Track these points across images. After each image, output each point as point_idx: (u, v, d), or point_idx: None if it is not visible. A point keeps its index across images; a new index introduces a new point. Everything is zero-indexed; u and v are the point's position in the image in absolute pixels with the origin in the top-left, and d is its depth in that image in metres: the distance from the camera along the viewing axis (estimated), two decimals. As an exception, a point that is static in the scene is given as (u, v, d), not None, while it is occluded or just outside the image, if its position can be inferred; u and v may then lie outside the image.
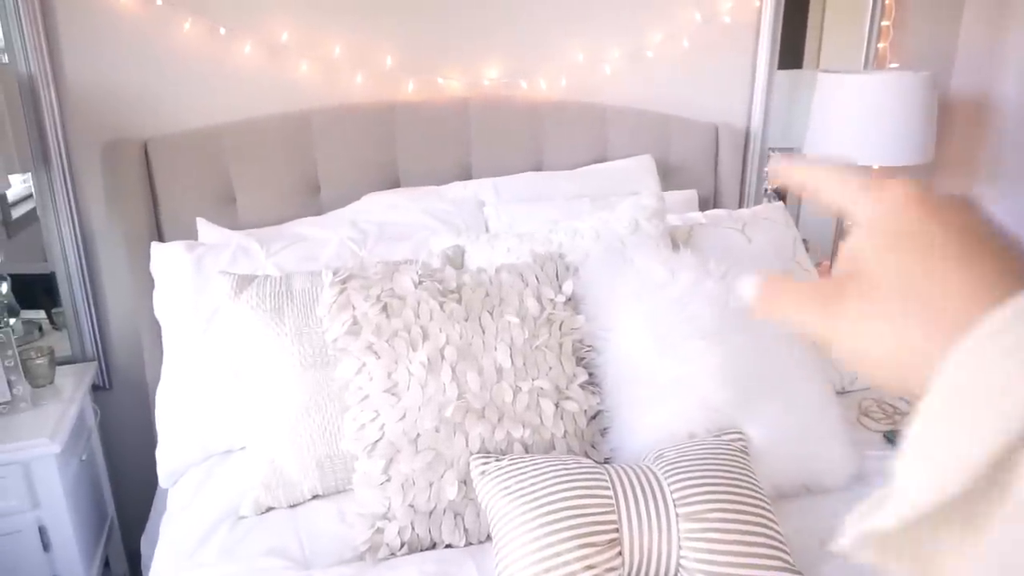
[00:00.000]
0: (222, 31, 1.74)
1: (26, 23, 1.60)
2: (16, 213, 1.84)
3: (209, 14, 1.73)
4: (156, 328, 1.61)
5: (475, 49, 1.99)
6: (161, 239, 1.71)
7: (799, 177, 0.36)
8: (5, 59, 1.62)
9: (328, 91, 1.87)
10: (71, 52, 1.67)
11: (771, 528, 1.04)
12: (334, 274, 1.25)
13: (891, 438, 1.46)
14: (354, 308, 1.20)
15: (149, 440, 1.81)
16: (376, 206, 1.78)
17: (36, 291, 1.89)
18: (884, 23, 2.44)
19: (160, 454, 1.43)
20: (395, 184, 1.91)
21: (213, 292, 1.43)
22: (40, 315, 1.93)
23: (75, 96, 1.70)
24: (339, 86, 1.88)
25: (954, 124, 2.52)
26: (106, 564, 1.81)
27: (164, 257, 1.54)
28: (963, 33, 2.53)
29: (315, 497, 1.27)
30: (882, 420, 1.54)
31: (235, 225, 1.73)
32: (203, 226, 1.68)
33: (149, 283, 1.61)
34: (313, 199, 1.84)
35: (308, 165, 1.83)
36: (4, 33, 1.61)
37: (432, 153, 1.93)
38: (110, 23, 1.67)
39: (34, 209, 1.79)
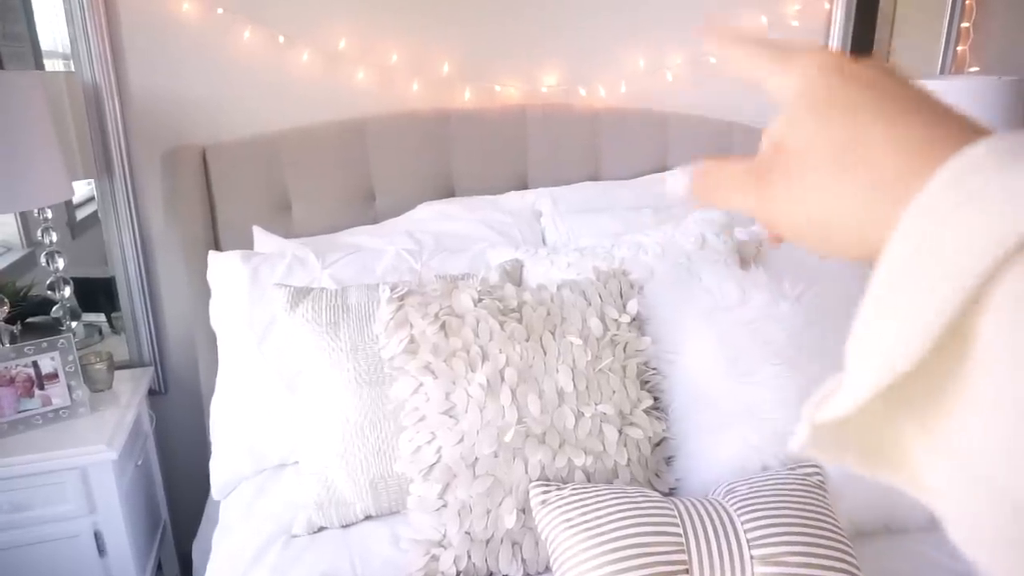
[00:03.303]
0: (281, 39, 1.74)
1: (92, 33, 1.62)
2: (80, 215, 1.87)
3: (268, 23, 1.73)
4: (212, 336, 1.61)
5: (533, 56, 1.95)
6: (217, 245, 1.72)
7: (719, 49, 0.34)
8: (72, 67, 1.64)
9: (384, 99, 1.85)
10: (134, 61, 1.69)
11: (854, 573, 0.97)
12: (392, 290, 1.22)
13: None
14: (412, 326, 1.16)
15: (202, 445, 1.82)
16: (431, 215, 1.75)
17: (97, 294, 1.92)
18: (964, 24, 2.31)
19: (214, 466, 1.42)
20: (450, 193, 1.88)
21: (268, 304, 1.42)
22: (100, 318, 1.96)
23: (137, 104, 1.71)
24: (395, 93, 1.86)
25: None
26: (159, 567, 1.83)
27: (221, 267, 1.54)
28: (1049, 35, 2.38)
29: (368, 518, 1.24)
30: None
31: (290, 233, 1.73)
32: (259, 234, 1.68)
33: (206, 290, 1.61)
34: (368, 207, 1.83)
35: (363, 173, 1.81)
36: (71, 43, 1.63)
37: (488, 162, 1.89)
38: (172, 32, 1.69)
39: (96, 212, 1.82)
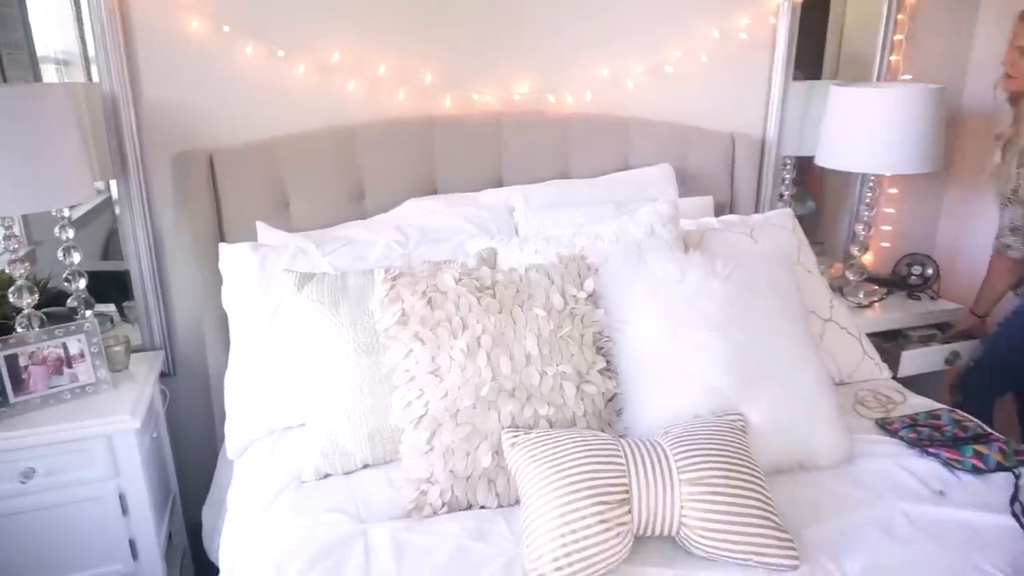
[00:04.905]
0: (280, 54, 1.94)
1: (110, 47, 1.80)
2: (75, 214, 1.99)
3: (268, 39, 1.93)
4: (220, 320, 1.80)
5: (507, 67, 2.16)
6: (223, 240, 1.90)
7: None
8: (96, 78, 1.83)
9: (373, 107, 2.06)
10: (148, 73, 1.88)
11: (762, 493, 1.20)
12: (386, 272, 1.43)
13: (882, 425, 1.60)
14: (403, 301, 1.38)
15: (208, 423, 2.01)
16: (417, 211, 1.96)
17: (107, 286, 2.08)
18: (897, 37, 2.56)
19: (229, 429, 1.62)
20: (433, 191, 2.08)
21: (277, 287, 1.62)
22: (111, 308, 2.13)
23: (151, 112, 1.90)
24: (383, 102, 2.06)
25: (966, 135, 2.63)
26: (169, 537, 2.00)
27: (232, 256, 1.74)
28: (976, 47, 2.64)
29: (366, 466, 1.45)
30: (875, 408, 1.67)
31: (289, 228, 1.92)
32: (262, 229, 1.87)
33: (215, 280, 1.80)
34: (359, 205, 2.03)
35: (354, 174, 2.02)
36: (90, 55, 1.82)
37: (467, 163, 2.10)
38: (182, 47, 1.88)
39: (95, 208, 1.97)
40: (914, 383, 1.98)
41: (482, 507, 1.33)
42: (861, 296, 2.45)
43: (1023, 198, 1.86)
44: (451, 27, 2.08)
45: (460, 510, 1.32)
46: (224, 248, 1.77)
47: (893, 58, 2.57)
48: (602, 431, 1.35)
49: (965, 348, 2.28)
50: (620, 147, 2.24)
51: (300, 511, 1.32)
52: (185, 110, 1.93)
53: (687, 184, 2.27)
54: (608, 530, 1.13)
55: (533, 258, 1.60)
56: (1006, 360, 2.09)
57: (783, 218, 1.95)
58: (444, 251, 1.74)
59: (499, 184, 2.13)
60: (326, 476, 1.43)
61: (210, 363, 1.94)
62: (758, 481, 1.21)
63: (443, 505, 1.30)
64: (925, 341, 2.36)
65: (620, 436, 1.37)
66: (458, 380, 1.32)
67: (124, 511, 1.74)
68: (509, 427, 1.32)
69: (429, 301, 1.37)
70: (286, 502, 1.35)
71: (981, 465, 1.44)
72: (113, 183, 1.93)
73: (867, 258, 2.62)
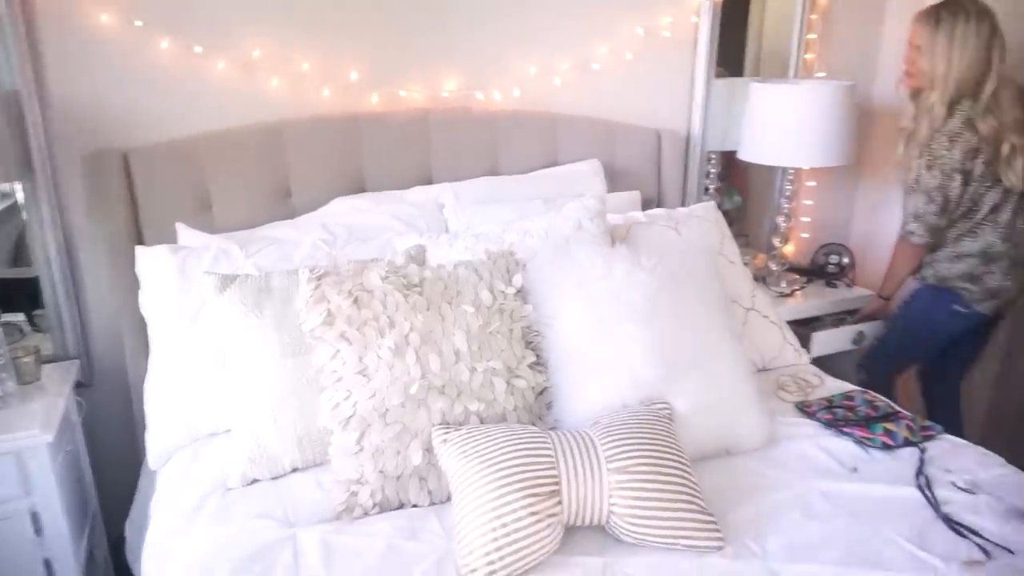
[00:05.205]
0: (198, 50, 1.88)
1: (11, 41, 1.70)
2: None
3: (184, 34, 1.86)
4: (139, 326, 1.73)
5: (434, 64, 2.15)
6: (141, 243, 1.83)
7: None
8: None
9: (298, 104, 2.01)
10: (55, 69, 1.78)
11: (687, 479, 1.23)
12: (311, 272, 1.40)
13: (801, 408, 1.67)
14: (328, 301, 1.36)
15: (129, 433, 1.93)
16: (344, 210, 1.93)
17: (15, 295, 1.98)
18: (810, 36, 2.66)
19: (150, 437, 1.56)
20: (361, 189, 2.06)
21: (198, 290, 1.57)
22: (19, 317, 2.02)
23: (60, 111, 1.81)
24: (308, 99, 2.02)
25: (876, 130, 2.76)
26: (90, 554, 1.91)
27: (149, 260, 1.67)
28: (883, 46, 2.77)
29: (295, 470, 1.42)
30: (795, 392, 1.74)
31: (212, 229, 1.86)
32: (182, 230, 1.81)
33: (133, 284, 1.73)
34: (285, 204, 1.99)
35: (280, 173, 1.97)
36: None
37: (396, 160, 2.09)
38: (91, 43, 1.79)
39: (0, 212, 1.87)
40: (832, 366, 2.07)
41: (414, 506, 1.32)
42: (783, 285, 2.54)
43: (923, 187, 1.97)
44: (376, 24, 2.06)
45: (392, 510, 1.31)
46: (141, 251, 1.70)
47: (808, 56, 2.67)
48: (532, 425, 1.37)
49: (870, 329, 2.40)
50: (549, 144, 2.26)
51: (226, 518, 1.28)
52: (97, 108, 1.84)
53: (615, 179, 2.31)
54: (539, 522, 1.14)
55: (462, 255, 1.60)
56: (904, 339, 2.21)
57: (706, 211, 2.00)
58: (372, 249, 1.72)
59: (428, 181, 2.12)
60: (253, 482, 1.39)
61: (130, 371, 1.86)
62: (684, 467, 1.25)
63: (374, 505, 1.29)
64: (837, 324, 2.48)
65: (550, 429, 1.38)
66: (386, 379, 1.31)
67: (38, 531, 1.65)
68: (439, 424, 1.32)
69: (355, 300, 1.36)
70: (211, 510, 1.31)
71: (890, 442, 1.52)
72: (19, 185, 1.83)
73: (788, 249, 2.72)
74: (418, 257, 1.53)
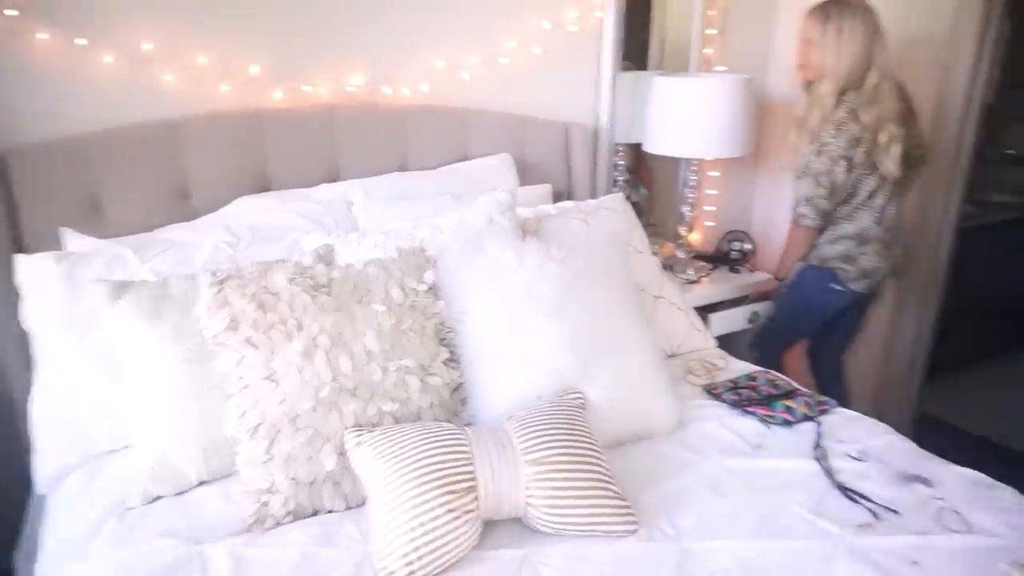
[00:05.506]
0: (80, 41, 1.76)
1: None
2: None
3: (64, 25, 1.74)
4: (21, 340, 1.61)
5: (339, 58, 2.10)
6: (24, 251, 1.70)
7: None
8: None
9: (195, 100, 1.92)
10: (-85, 64, 1.64)
11: (600, 466, 1.26)
12: (212, 275, 1.35)
13: (709, 390, 1.74)
14: (231, 306, 1.31)
15: (15, 456, 1.79)
16: (247, 209, 1.86)
17: None
18: (709, 31, 2.76)
19: (38, 460, 1.46)
20: (266, 188, 1.99)
21: (88, 300, 1.48)
22: None
23: (-79, 109, 1.66)
24: (206, 95, 1.93)
25: (773, 121, 2.89)
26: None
27: (31, 269, 1.56)
28: (777, 42, 2.91)
29: (202, 483, 1.37)
30: (703, 376, 1.81)
31: (103, 234, 1.75)
32: (69, 236, 1.70)
33: (12, 296, 1.61)
34: (184, 205, 1.90)
35: (178, 172, 1.88)
36: None
37: (301, 157, 2.03)
38: (-45, 34, 1.65)
39: None
40: (735, 346, 2.16)
41: (329, 511, 1.29)
42: (690, 272, 2.64)
43: (812, 172, 2.08)
44: (277, 16, 1.99)
45: (306, 517, 1.28)
46: (21, 260, 1.58)
47: (708, 51, 2.77)
48: (448, 422, 1.36)
49: (764, 309, 2.53)
50: (459, 138, 2.25)
51: (126, 540, 1.21)
52: (-34, 106, 1.70)
53: (527, 173, 2.32)
54: (456, 519, 1.14)
55: (372, 253, 1.57)
56: (789, 317, 2.35)
57: (615, 202, 2.05)
58: (278, 250, 1.67)
59: (336, 178, 2.07)
60: (156, 499, 1.32)
61: (15, 390, 1.73)
62: (597, 455, 1.28)
63: (287, 514, 1.25)
64: (734, 305, 2.60)
65: (466, 425, 1.38)
66: (296, 384, 1.28)
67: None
68: (352, 427, 1.29)
69: (260, 304, 1.31)
70: (109, 533, 1.24)
71: (790, 418, 1.60)
72: None
73: (694, 237, 2.82)
74: (326, 257, 1.49)
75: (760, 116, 2.82)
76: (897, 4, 2.33)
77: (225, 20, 1.93)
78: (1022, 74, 3.56)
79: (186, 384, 1.35)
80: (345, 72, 2.12)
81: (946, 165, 2.45)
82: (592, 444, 1.29)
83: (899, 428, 1.63)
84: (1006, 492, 1.38)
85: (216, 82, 1.95)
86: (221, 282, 1.34)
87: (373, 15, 2.11)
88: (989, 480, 1.41)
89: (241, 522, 1.24)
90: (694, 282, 2.61)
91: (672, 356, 1.90)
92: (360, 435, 1.26)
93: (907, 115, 2.15)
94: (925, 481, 1.39)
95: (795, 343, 2.49)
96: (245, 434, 1.27)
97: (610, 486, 1.25)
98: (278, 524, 1.25)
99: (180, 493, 1.34)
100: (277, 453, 1.26)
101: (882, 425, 1.62)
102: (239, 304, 1.31)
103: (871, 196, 2.12)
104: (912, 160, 2.19)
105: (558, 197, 2.36)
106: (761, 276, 2.70)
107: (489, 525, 1.23)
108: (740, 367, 1.89)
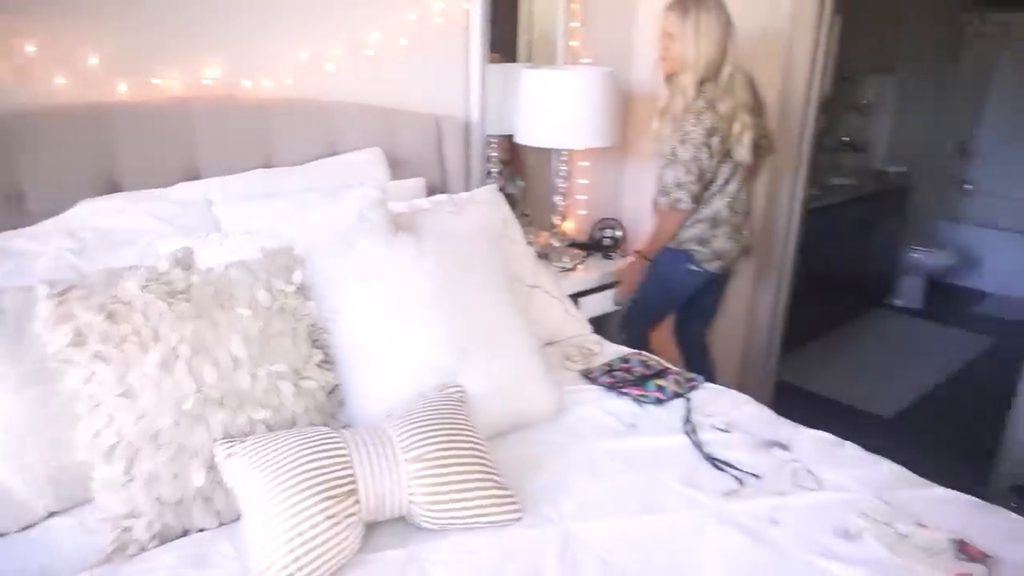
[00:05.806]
0: None
1: None
2: None
3: None
4: None
5: (191, 49, 1.97)
6: None
7: None
8: None
9: (24, 94, 1.74)
10: None
11: (482, 457, 1.27)
12: (51, 286, 1.23)
13: (585, 375, 1.79)
14: (76, 318, 1.20)
15: None
16: (94, 213, 1.71)
17: None
18: (573, 24, 2.83)
19: None
20: (116, 188, 1.84)
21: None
22: None
23: None
24: (38, 88, 1.76)
25: (637, 111, 3.01)
26: None
27: None
28: (638, 35, 3.02)
29: (52, 515, 1.25)
30: (580, 361, 1.87)
31: (-85, 247, 1.56)
32: None
33: None
34: (18, 210, 1.72)
35: (8, 174, 1.70)
36: None
37: (155, 155, 1.89)
38: None
39: None
40: (611, 331, 2.24)
41: (201, 530, 1.22)
42: (566, 261, 2.70)
43: (680, 159, 2.19)
44: (116, 3, 1.83)
45: (175, 539, 1.20)
46: None
47: (573, 44, 2.84)
48: (325, 425, 1.32)
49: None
50: (326, 133, 2.18)
51: (-38, 587, 1.10)
52: None
53: (399, 167, 2.29)
54: (336, 524, 1.11)
55: (235, 254, 1.49)
56: (652, 297, 2.48)
57: (488, 194, 2.06)
58: (130, 255, 1.54)
59: (196, 177, 1.94)
60: (-2, 537, 1.20)
61: None
62: (478, 447, 1.28)
63: (152, 538, 1.17)
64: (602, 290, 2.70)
65: (344, 427, 1.35)
66: (154, 398, 1.19)
67: None
68: (222, 439, 1.22)
69: (109, 315, 1.21)
70: (-59, 581, 1.11)
71: (661, 396, 1.69)
72: None
73: (568, 226, 2.89)
74: (184, 261, 1.40)
75: (625, 107, 2.93)
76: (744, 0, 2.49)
77: (55, 6, 1.75)
78: (851, 68, 3.93)
79: (26, 409, 1.22)
80: (200, 64, 1.99)
81: (792, 152, 2.65)
82: (473, 436, 1.29)
83: (762, 397, 1.75)
84: (850, 448, 1.52)
85: (48, 75, 1.77)
86: (62, 293, 1.22)
87: (229, 4, 2.00)
88: (836, 439, 1.55)
89: (101, 552, 1.15)
90: (569, 270, 2.68)
91: (550, 344, 1.94)
92: (231, 446, 1.20)
93: (756, 106, 2.31)
94: (783, 445, 1.51)
95: (659, 323, 2.62)
96: (100, 457, 1.17)
97: (492, 476, 1.26)
98: (143, 549, 1.17)
99: (26, 528, 1.22)
100: (138, 473, 1.17)
101: (744, 396, 1.73)
102: (84, 316, 1.20)
103: (726, 182, 2.26)
104: (760, 150, 2.35)
105: (432, 191, 2.34)
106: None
107: (372, 527, 1.20)
108: (614, 350, 1.96)
